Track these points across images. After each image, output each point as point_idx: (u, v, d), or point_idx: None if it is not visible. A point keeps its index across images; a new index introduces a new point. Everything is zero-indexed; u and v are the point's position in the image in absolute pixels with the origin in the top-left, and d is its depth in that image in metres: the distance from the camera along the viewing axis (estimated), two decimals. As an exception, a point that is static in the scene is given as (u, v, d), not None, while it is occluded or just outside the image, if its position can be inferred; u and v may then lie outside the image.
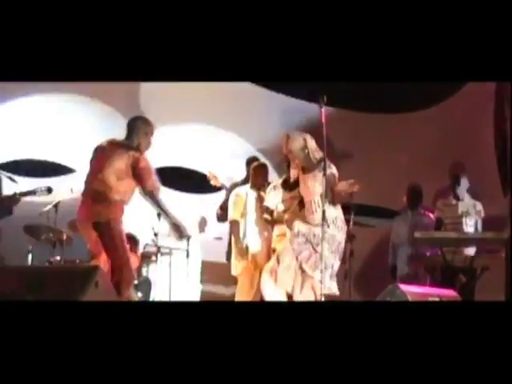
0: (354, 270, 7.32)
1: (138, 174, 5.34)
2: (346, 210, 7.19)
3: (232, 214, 6.63)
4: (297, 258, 5.40)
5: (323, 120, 5.11)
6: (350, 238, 7.03)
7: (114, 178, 5.25)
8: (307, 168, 5.49)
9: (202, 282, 7.80)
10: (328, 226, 5.29)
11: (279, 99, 8.60)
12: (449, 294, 5.38)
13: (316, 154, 5.48)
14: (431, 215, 7.59)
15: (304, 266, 5.36)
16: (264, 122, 8.20)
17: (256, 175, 6.62)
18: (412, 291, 5.24)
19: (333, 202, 5.45)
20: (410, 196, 7.61)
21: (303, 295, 5.34)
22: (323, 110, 5.15)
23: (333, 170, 5.44)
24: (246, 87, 8.21)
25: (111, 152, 5.32)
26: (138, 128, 5.49)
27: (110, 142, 5.45)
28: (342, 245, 5.56)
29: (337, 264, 5.48)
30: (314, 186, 5.39)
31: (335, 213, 5.48)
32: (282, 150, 5.58)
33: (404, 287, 5.29)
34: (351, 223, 7.06)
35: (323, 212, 5.14)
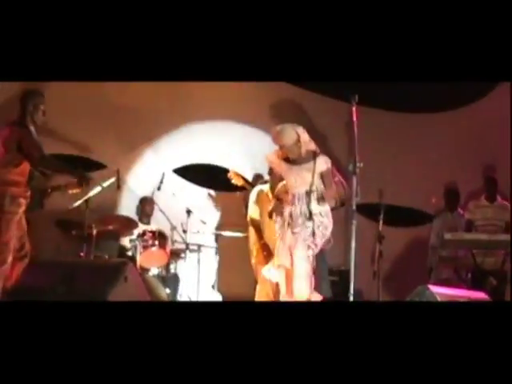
0: (383, 270, 7.27)
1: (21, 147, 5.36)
2: (376, 210, 7.21)
3: (250, 212, 6.64)
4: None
5: (355, 119, 5.11)
6: (379, 238, 7.02)
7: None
8: (299, 160, 5.46)
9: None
10: (322, 217, 5.33)
11: (310, 98, 8.61)
12: (479, 296, 5.36)
13: (309, 146, 5.44)
14: (465, 215, 7.56)
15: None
16: (293, 121, 8.20)
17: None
18: (442, 293, 5.22)
19: (321, 198, 5.44)
20: (447, 197, 7.57)
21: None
22: (354, 109, 5.14)
23: (328, 164, 5.43)
24: (277, 86, 8.24)
25: None
26: (25, 102, 5.50)
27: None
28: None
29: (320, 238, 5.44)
30: (306, 178, 5.37)
31: (327, 207, 5.46)
32: (274, 140, 5.48)
33: (434, 288, 5.27)
34: (381, 223, 7.05)
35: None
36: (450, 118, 8.59)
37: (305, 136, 5.43)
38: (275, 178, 5.63)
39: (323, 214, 5.38)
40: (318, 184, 5.39)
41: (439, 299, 5.06)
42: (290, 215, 5.38)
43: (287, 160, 5.46)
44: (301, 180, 5.39)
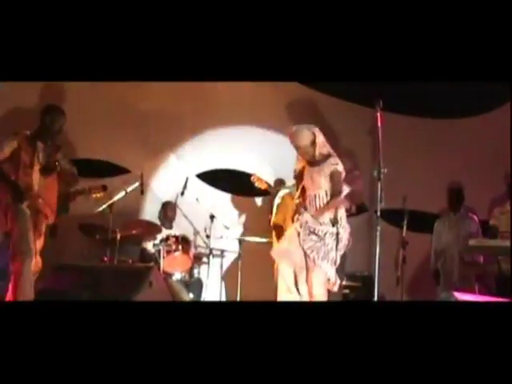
0: (406, 276, 7.25)
1: None
2: (399, 216, 7.19)
3: (274, 217, 6.63)
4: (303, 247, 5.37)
5: (379, 124, 5.10)
6: (403, 244, 7.00)
7: None
8: (313, 162, 5.47)
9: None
10: (333, 226, 5.31)
11: (332, 102, 8.61)
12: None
13: (323, 148, 5.45)
14: (475, 217, 7.51)
15: (310, 254, 5.34)
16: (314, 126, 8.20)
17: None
18: (467, 300, 5.19)
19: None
20: (450, 197, 7.51)
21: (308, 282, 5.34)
22: (379, 114, 5.14)
23: (339, 167, 5.42)
24: (299, 91, 8.25)
25: None
26: (44, 115, 5.65)
27: None
28: (346, 243, 5.49)
29: (338, 258, 5.42)
30: (318, 181, 5.38)
31: (340, 212, 5.44)
32: (291, 141, 5.51)
33: (459, 295, 5.25)
34: (404, 229, 7.03)
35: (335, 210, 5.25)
36: (474, 124, 8.54)
37: (320, 138, 5.44)
38: (299, 186, 5.64)
39: (332, 223, 5.37)
40: (327, 187, 5.38)
41: (464, 306, 5.02)
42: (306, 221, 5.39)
43: (307, 163, 5.48)
44: (312, 182, 5.38)
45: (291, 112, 8.30)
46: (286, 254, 5.43)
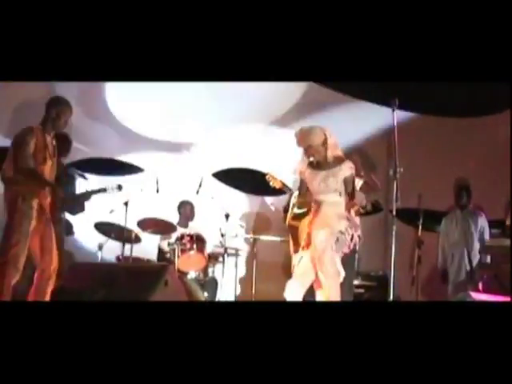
0: (421, 275, 7.24)
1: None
2: (415, 215, 7.18)
3: (290, 217, 6.62)
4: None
5: (395, 123, 5.10)
6: (418, 243, 7.00)
7: None
8: (324, 164, 5.43)
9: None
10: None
11: (345, 101, 8.60)
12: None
13: (336, 150, 5.39)
14: (483, 214, 7.47)
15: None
16: (331, 123, 8.19)
17: None
18: (483, 300, 5.18)
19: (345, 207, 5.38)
20: (458, 194, 7.48)
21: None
22: (395, 114, 5.13)
23: (353, 170, 5.40)
24: (316, 90, 8.24)
25: None
26: (49, 108, 5.51)
27: None
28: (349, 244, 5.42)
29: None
30: (332, 184, 5.30)
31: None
32: (299, 141, 5.42)
33: (475, 295, 5.24)
34: (420, 228, 7.02)
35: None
36: (489, 123, 8.50)
37: (332, 139, 5.40)
38: (303, 186, 5.60)
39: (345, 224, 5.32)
40: (342, 190, 5.37)
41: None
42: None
43: (312, 165, 5.44)
44: (325, 186, 5.36)
45: (307, 111, 8.30)
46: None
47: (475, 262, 7.26)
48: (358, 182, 6.07)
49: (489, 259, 7.21)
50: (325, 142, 5.34)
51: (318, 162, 5.40)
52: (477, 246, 7.32)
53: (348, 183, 5.35)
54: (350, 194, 5.36)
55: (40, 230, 5.37)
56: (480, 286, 7.10)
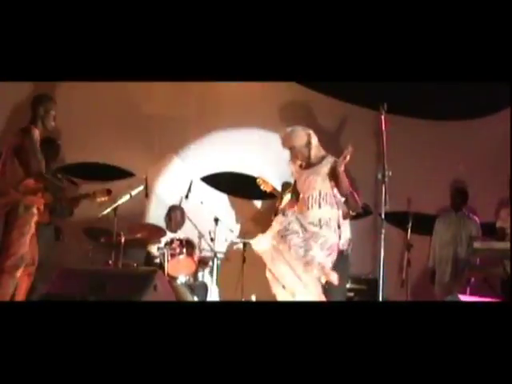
0: (411, 278, 7.26)
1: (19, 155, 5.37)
2: (404, 218, 7.20)
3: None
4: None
5: (383, 128, 5.11)
6: (407, 246, 7.02)
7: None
8: (307, 164, 5.44)
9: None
10: (321, 227, 5.26)
11: (334, 105, 8.62)
12: (509, 305, 5.31)
13: (317, 150, 5.42)
14: (476, 218, 7.51)
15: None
16: (319, 127, 8.20)
17: None
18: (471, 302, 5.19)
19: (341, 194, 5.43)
20: (453, 196, 7.51)
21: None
22: (383, 117, 5.15)
23: (334, 163, 5.40)
24: (304, 93, 8.26)
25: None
26: (36, 107, 5.49)
27: None
28: (334, 246, 5.35)
29: (328, 263, 5.31)
30: (313, 182, 5.33)
31: (330, 213, 5.40)
32: (283, 143, 5.47)
33: (464, 298, 5.25)
34: (409, 232, 7.04)
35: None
36: (479, 126, 8.54)
37: (315, 139, 5.43)
38: (295, 189, 5.62)
39: (323, 223, 5.31)
40: (324, 188, 5.37)
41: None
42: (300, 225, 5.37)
43: (300, 166, 5.47)
44: (307, 184, 5.37)
45: (294, 114, 8.31)
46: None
47: (462, 264, 7.28)
48: (341, 198, 6.09)
49: (478, 262, 7.24)
50: (308, 143, 5.38)
51: (302, 164, 5.44)
52: (465, 248, 7.34)
53: (334, 173, 5.31)
54: (340, 184, 5.34)
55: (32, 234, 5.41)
56: (468, 288, 7.13)
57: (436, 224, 7.62)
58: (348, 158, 5.16)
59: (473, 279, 7.26)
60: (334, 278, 5.26)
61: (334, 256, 5.32)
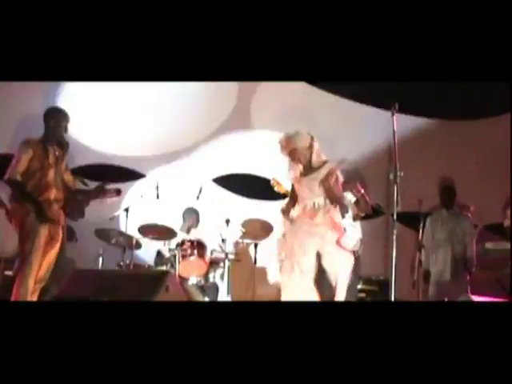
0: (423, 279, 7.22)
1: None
2: (416, 219, 7.18)
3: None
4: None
5: (395, 128, 5.11)
6: (419, 247, 6.98)
7: None
8: (309, 169, 5.44)
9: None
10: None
11: (348, 106, 8.62)
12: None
13: (318, 155, 5.43)
14: (469, 214, 7.44)
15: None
16: (331, 129, 8.21)
17: None
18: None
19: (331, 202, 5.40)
20: (442, 193, 7.43)
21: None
22: (395, 117, 5.14)
23: (339, 177, 5.42)
24: (316, 94, 8.27)
25: None
26: (47, 119, 5.75)
27: None
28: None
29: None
30: (316, 188, 5.36)
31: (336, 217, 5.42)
32: (284, 147, 5.46)
33: (476, 299, 5.24)
34: (421, 232, 7.01)
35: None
36: (489, 126, 8.52)
37: (316, 144, 5.42)
38: (294, 194, 5.61)
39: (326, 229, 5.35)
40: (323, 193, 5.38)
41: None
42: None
43: (300, 172, 5.45)
44: (309, 191, 5.37)
45: (308, 117, 8.33)
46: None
47: (463, 263, 7.24)
48: (351, 199, 6.12)
49: (474, 261, 7.21)
50: (310, 146, 5.37)
51: (305, 168, 5.42)
52: (463, 247, 7.30)
53: (328, 179, 5.32)
54: (333, 193, 5.36)
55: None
56: (468, 288, 7.09)
57: (427, 223, 7.40)
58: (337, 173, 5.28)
59: (468, 278, 7.21)
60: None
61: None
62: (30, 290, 5.41)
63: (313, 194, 5.35)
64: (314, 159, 5.39)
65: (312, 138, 5.40)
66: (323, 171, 5.35)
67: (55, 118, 5.72)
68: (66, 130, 5.78)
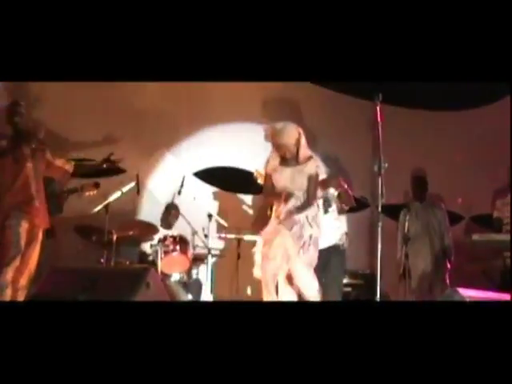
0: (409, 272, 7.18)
1: None
2: (401, 211, 7.17)
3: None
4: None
5: (379, 119, 5.07)
6: (405, 240, 6.95)
7: None
8: (293, 162, 5.43)
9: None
10: (311, 226, 5.28)
11: (332, 97, 8.59)
12: (508, 298, 5.29)
13: (306, 150, 5.44)
14: (442, 205, 7.44)
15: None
16: (315, 121, 8.17)
17: None
18: (471, 295, 5.16)
19: (309, 202, 5.40)
20: (414, 185, 7.43)
21: None
22: (378, 108, 5.10)
23: (319, 170, 5.41)
24: (300, 86, 8.21)
25: None
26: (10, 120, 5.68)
27: None
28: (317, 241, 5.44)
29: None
30: (301, 182, 5.36)
31: (313, 212, 5.41)
32: (269, 138, 5.46)
33: (463, 291, 5.22)
34: (406, 225, 6.98)
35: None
36: (476, 116, 8.53)
37: (304, 139, 5.43)
38: (269, 184, 5.56)
39: (311, 221, 5.34)
40: (307, 187, 5.38)
41: (469, 302, 5.00)
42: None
43: (281, 163, 5.42)
44: (291, 183, 5.34)
45: (286, 106, 8.29)
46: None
47: (442, 254, 7.24)
48: (334, 193, 6.11)
49: (453, 249, 7.22)
50: (298, 141, 5.36)
51: (287, 160, 5.39)
52: (440, 238, 7.30)
53: (311, 181, 5.34)
54: (311, 194, 5.36)
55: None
56: (447, 279, 7.09)
57: (401, 216, 7.35)
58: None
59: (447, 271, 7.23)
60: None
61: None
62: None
63: (294, 186, 5.32)
64: (301, 153, 5.38)
65: (300, 133, 5.38)
66: (309, 166, 5.32)
67: (20, 115, 5.63)
68: (21, 114, 5.66)
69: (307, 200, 5.39)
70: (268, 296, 5.33)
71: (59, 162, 5.86)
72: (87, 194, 6.13)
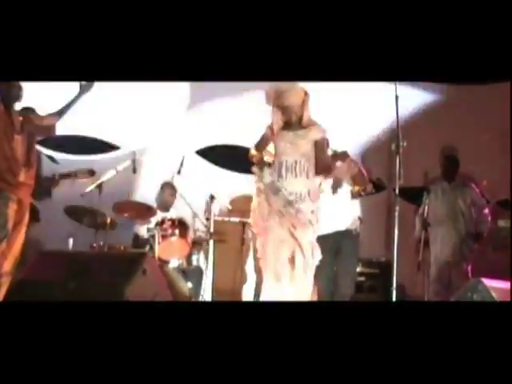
0: (428, 261, 7.17)
1: None
2: (421, 194, 7.14)
3: None
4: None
5: (397, 94, 5.09)
6: (424, 225, 6.94)
7: None
8: (296, 126, 5.30)
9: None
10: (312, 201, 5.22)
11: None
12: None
13: (309, 114, 5.30)
14: (474, 186, 7.34)
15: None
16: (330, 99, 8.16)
17: None
18: (496, 286, 5.17)
19: (317, 171, 5.28)
20: (444, 165, 7.35)
21: None
22: (397, 84, 5.12)
23: (324, 133, 5.33)
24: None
25: None
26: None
27: None
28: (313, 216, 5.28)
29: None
30: (304, 147, 5.22)
31: (307, 185, 5.32)
32: (271, 100, 5.30)
33: (487, 282, 5.22)
34: (426, 209, 6.96)
35: None
36: (499, 91, 8.48)
37: (309, 101, 5.33)
38: (264, 142, 5.46)
39: (305, 196, 5.21)
40: (311, 154, 5.27)
41: (493, 293, 5.00)
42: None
43: (284, 125, 5.34)
44: (293, 147, 5.26)
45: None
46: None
47: (466, 241, 7.18)
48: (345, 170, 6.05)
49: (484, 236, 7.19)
50: (304, 103, 5.28)
51: (290, 122, 5.32)
52: (468, 221, 7.23)
53: (319, 147, 5.26)
54: (321, 160, 5.28)
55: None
56: (469, 268, 7.05)
57: (425, 197, 7.17)
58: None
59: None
60: None
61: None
62: None
63: (295, 151, 5.24)
64: (305, 116, 5.30)
65: (306, 93, 5.29)
66: (313, 132, 5.26)
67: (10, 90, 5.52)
68: (19, 88, 5.58)
69: (315, 169, 5.30)
70: (278, 284, 5.23)
71: (46, 121, 5.79)
72: (81, 180, 6.11)
